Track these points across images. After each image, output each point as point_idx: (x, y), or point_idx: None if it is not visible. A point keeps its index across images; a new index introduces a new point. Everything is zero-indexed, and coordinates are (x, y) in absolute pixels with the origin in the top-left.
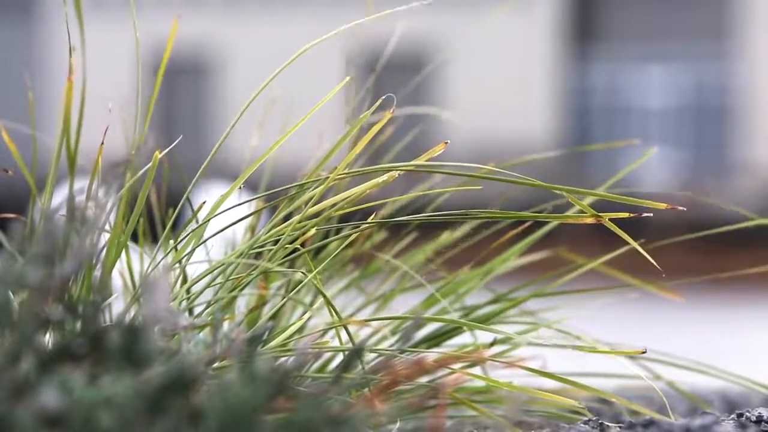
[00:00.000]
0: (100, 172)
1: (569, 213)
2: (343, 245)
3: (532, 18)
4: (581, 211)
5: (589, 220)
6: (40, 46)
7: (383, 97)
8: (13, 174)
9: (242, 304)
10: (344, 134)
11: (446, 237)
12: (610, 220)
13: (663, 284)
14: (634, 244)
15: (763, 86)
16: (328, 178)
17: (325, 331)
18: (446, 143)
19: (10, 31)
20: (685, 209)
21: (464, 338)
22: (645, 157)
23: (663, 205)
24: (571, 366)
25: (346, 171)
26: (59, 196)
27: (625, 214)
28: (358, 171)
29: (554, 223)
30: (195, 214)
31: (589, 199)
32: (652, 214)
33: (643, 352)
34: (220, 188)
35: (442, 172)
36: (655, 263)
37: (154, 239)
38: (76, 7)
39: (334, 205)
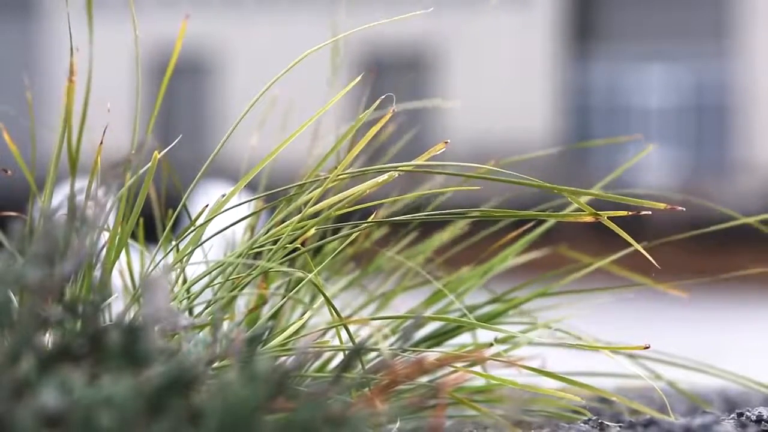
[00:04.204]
0: (99, 172)
1: (568, 212)
2: (344, 245)
3: (532, 17)
4: (580, 210)
5: (588, 219)
6: (39, 46)
7: (383, 97)
8: (12, 174)
9: (242, 304)
10: (344, 134)
11: (446, 236)
12: (609, 218)
13: (666, 282)
14: (635, 244)
15: (763, 86)
16: (327, 178)
17: (325, 331)
18: (446, 142)
19: (9, 31)
20: (683, 209)
21: (464, 338)
22: (642, 155)
23: (662, 205)
24: (571, 365)
25: (345, 171)
26: (59, 196)
27: (624, 213)
28: (358, 171)
29: (553, 222)
30: (196, 218)
31: (587, 198)
32: (650, 212)
33: (647, 347)
34: (220, 188)
35: (443, 173)
36: (654, 262)
37: (154, 239)
38: (87, 7)
39: (333, 205)
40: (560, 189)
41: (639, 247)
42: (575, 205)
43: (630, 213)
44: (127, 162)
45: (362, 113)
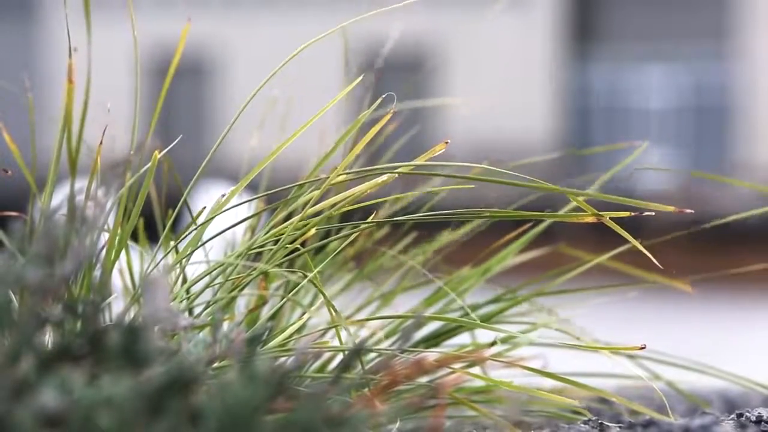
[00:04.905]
0: (99, 172)
1: (569, 213)
2: (344, 245)
3: (532, 18)
4: (581, 210)
5: (590, 220)
6: (39, 47)
7: (383, 96)
8: (12, 174)
9: (242, 305)
10: (344, 133)
11: (446, 236)
12: (610, 219)
13: (668, 281)
14: (636, 244)
15: (763, 86)
16: (327, 178)
17: (324, 331)
18: (447, 142)
19: (9, 31)
20: (692, 212)
21: (464, 338)
22: (636, 154)
23: (671, 208)
24: (570, 366)
25: (345, 171)
26: (59, 196)
27: (627, 213)
28: (359, 171)
29: (552, 222)
30: (196, 217)
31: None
32: (653, 213)
33: (642, 348)
34: (220, 188)
35: (443, 175)
36: (656, 262)
37: (154, 239)
38: (85, 7)
39: (334, 205)
40: (562, 191)
41: (641, 247)
42: (575, 206)
43: (632, 214)
44: (128, 162)
45: (363, 112)
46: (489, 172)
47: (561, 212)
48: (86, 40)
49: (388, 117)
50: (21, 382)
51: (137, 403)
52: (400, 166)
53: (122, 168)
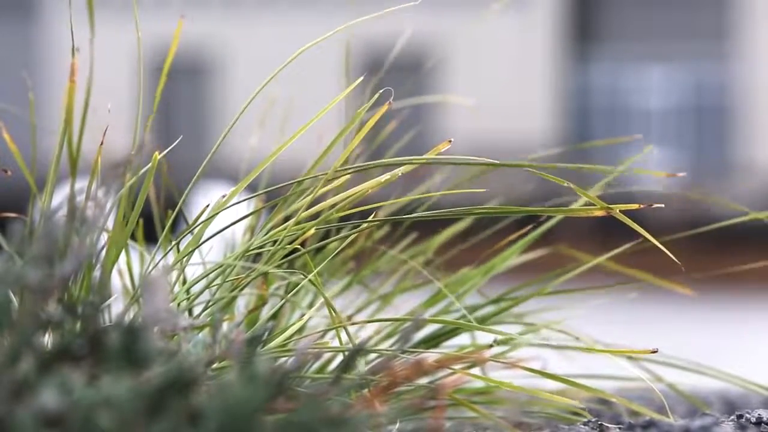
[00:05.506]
0: (100, 173)
1: (578, 207)
2: (343, 245)
3: (533, 18)
4: (589, 204)
5: (599, 213)
6: (39, 46)
7: (381, 91)
8: (12, 174)
9: (242, 305)
10: (342, 129)
11: (447, 236)
12: (613, 215)
13: (668, 283)
14: (647, 236)
15: (763, 86)
16: (326, 174)
17: (325, 332)
18: (450, 141)
19: (9, 31)
20: (684, 174)
21: (464, 339)
22: (638, 155)
23: (663, 173)
24: (570, 367)
25: (345, 167)
26: (59, 197)
27: (635, 206)
28: (359, 166)
29: (557, 219)
30: (195, 219)
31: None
32: (663, 205)
33: (654, 352)
34: (220, 189)
35: (450, 163)
36: (659, 260)
37: (154, 240)
38: (88, 6)
39: (334, 205)
40: (570, 183)
41: (651, 238)
42: (581, 202)
43: (641, 206)
44: (128, 162)
45: (361, 109)
46: (491, 169)
47: (569, 207)
48: (87, 40)
49: (385, 108)
50: (21, 382)
51: (137, 404)
52: (402, 162)
53: (122, 168)
